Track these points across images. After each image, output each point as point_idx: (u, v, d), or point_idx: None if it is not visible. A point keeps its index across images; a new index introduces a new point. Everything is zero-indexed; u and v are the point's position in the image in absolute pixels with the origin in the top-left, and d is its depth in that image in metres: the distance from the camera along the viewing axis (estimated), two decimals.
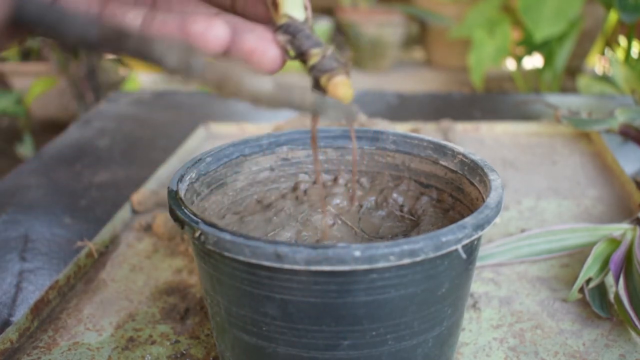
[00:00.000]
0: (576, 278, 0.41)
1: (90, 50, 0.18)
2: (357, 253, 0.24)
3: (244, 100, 0.21)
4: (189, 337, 0.37)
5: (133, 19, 0.25)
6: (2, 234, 0.50)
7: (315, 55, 0.25)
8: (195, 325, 0.38)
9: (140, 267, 0.45)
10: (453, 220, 0.33)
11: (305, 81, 0.26)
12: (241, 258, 0.25)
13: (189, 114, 0.81)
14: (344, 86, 0.25)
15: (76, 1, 0.26)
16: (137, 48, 0.18)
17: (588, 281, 0.40)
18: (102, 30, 0.17)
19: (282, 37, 0.25)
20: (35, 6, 0.16)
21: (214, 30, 0.24)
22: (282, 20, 0.25)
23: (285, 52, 0.25)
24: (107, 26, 0.17)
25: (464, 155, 0.34)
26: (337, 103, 0.22)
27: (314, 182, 0.38)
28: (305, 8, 0.26)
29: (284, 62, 0.26)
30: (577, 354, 0.36)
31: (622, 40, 1.50)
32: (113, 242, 0.49)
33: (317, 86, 0.25)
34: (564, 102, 0.85)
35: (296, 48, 0.25)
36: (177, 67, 0.18)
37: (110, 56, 1.99)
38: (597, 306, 0.39)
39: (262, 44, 0.25)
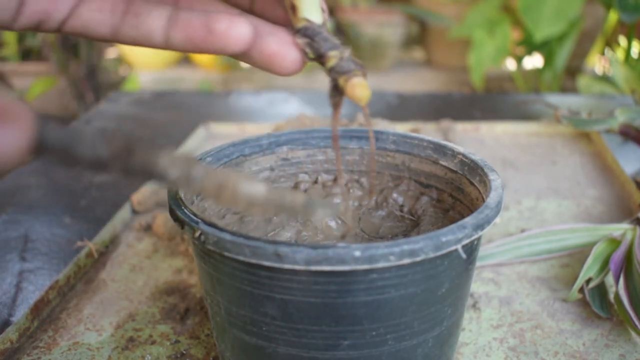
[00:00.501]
0: (576, 278, 0.41)
1: (103, 170, 0.18)
2: (357, 253, 0.24)
3: (239, 207, 0.21)
4: (189, 337, 0.37)
5: (157, 17, 0.26)
6: (2, 234, 0.50)
7: (333, 58, 0.26)
8: (195, 325, 0.38)
9: (140, 267, 0.45)
10: (453, 220, 0.33)
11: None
12: (241, 258, 0.25)
13: (189, 114, 0.81)
14: (361, 87, 0.26)
15: (102, 1, 0.26)
16: (143, 163, 0.19)
17: (588, 281, 0.40)
18: (112, 147, 0.18)
19: (301, 40, 0.26)
20: (53, 132, 0.17)
21: (238, 28, 0.24)
22: (300, 24, 0.26)
23: (304, 54, 0.26)
24: (116, 143, 0.18)
25: (464, 155, 0.34)
26: (325, 203, 0.24)
27: (315, 182, 0.39)
28: (323, 10, 0.26)
29: (303, 64, 0.26)
30: (577, 354, 0.36)
31: (622, 40, 1.50)
32: (113, 242, 0.49)
33: (336, 87, 0.26)
34: (564, 102, 0.85)
35: (315, 50, 0.26)
36: (179, 179, 0.19)
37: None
38: (597, 306, 0.39)
39: (283, 47, 0.26)
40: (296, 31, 0.26)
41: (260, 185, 0.22)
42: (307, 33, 0.26)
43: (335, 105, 0.28)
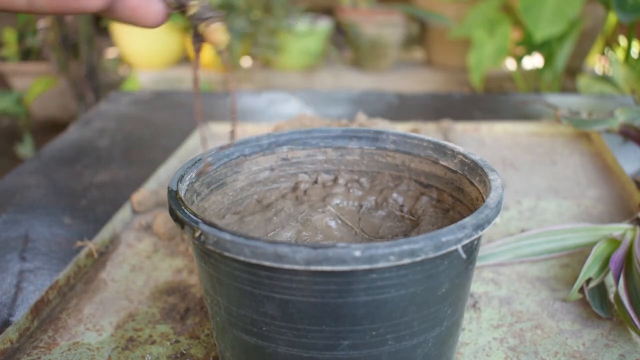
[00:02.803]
0: (576, 278, 0.41)
1: None
2: (357, 253, 0.24)
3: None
4: (189, 337, 0.37)
5: None
6: (2, 234, 0.50)
7: (193, 6, 0.29)
8: (195, 325, 0.38)
9: (140, 267, 0.45)
10: (453, 220, 0.33)
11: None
12: (241, 258, 0.25)
13: (189, 114, 0.81)
14: (219, 32, 0.29)
15: None
16: None
17: (588, 281, 0.40)
18: None
19: None
20: None
21: None
22: None
23: (167, 5, 0.29)
24: None
25: (464, 155, 0.34)
26: None
27: (314, 182, 0.39)
28: None
29: (167, 15, 0.29)
30: (577, 354, 0.36)
31: (622, 40, 1.50)
32: (113, 242, 0.49)
33: (197, 33, 0.30)
34: (564, 102, 0.85)
35: (177, 0, 0.29)
36: None
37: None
38: (597, 306, 0.39)
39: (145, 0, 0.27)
40: None
41: None
42: None
43: (197, 51, 0.31)
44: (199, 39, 0.30)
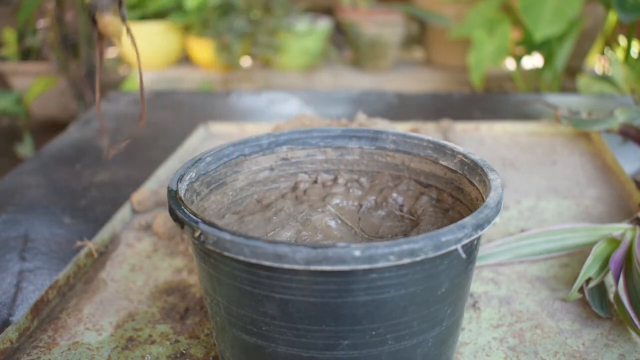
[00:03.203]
0: (576, 278, 0.41)
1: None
2: (357, 253, 0.24)
3: None
4: (189, 337, 0.37)
5: None
6: (2, 234, 0.50)
7: None
8: (195, 325, 0.38)
9: (140, 267, 0.45)
10: (453, 220, 0.33)
11: None
12: (241, 258, 0.25)
13: (189, 114, 0.81)
14: (111, 26, 0.29)
15: None
16: None
17: (588, 281, 0.40)
18: None
19: None
20: None
21: None
22: None
23: None
24: None
25: (464, 155, 0.34)
26: None
27: (314, 182, 0.39)
28: None
29: None
30: (577, 354, 0.36)
31: (622, 40, 1.50)
32: (113, 242, 0.49)
33: (94, 21, 0.30)
34: (564, 102, 0.85)
35: None
36: None
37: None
38: (597, 306, 0.39)
39: None
40: None
41: None
42: None
43: (98, 40, 0.31)
44: (96, 28, 0.30)
